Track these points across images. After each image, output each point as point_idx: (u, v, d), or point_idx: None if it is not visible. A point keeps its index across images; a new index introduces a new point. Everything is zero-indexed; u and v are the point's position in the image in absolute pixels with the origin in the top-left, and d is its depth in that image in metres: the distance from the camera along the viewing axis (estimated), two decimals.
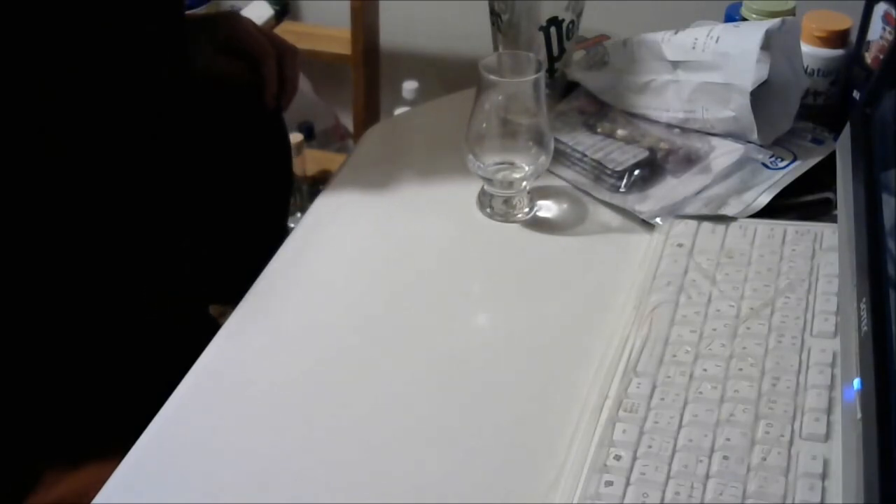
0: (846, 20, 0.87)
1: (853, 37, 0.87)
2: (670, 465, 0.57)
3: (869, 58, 0.84)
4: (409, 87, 1.84)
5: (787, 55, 0.83)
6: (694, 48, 0.84)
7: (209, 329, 0.71)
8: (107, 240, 0.79)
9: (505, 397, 0.65)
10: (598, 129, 0.87)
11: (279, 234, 0.97)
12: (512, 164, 0.79)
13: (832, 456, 0.56)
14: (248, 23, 0.95)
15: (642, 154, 0.83)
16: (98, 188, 0.77)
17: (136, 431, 0.63)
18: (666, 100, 0.87)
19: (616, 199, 0.81)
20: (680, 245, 0.74)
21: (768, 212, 0.78)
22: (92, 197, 0.77)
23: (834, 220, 0.73)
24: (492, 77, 0.76)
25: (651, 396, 0.61)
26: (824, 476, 0.55)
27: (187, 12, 0.84)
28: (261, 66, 0.93)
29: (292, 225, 0.91)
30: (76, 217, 0.77)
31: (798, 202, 0.79)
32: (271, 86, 0.94)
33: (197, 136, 0.86)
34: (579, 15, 0.90)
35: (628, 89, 0.89)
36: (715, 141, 0.85)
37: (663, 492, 0.55)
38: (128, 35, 0.76)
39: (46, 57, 0.71)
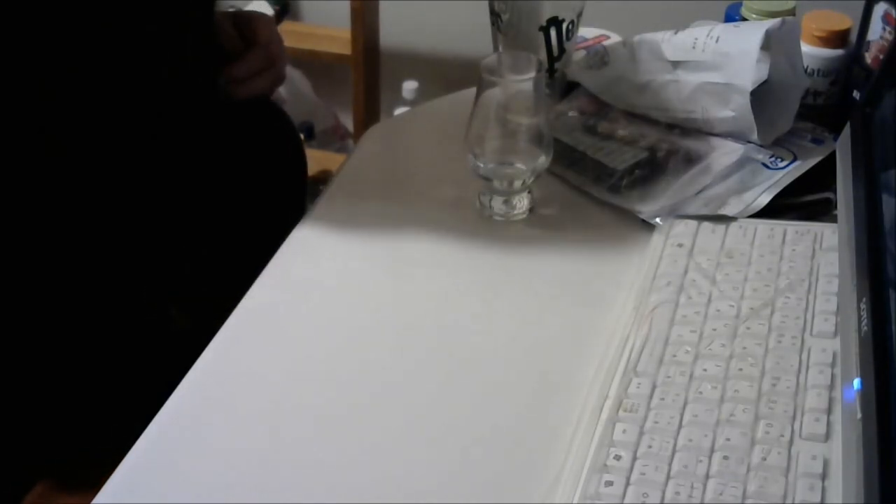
0: (846, 20, 0.87)
1: (853, 37, 0.87)
2: (670, 465, 0.57)
3: (869, 58, 0.84)
4: (409, 87, 1.84)
5: (787, 55, 0.83)
6: (694, 48, 0.84)
7: (209, 329, 0.71)
8: (106, 240, 0.79)
9: (505, 397, 0.65)
10: (598, 129, 0.87)
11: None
12: (512, 164, 0.79)
13: (832, 456, 0.56)
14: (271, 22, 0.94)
15: (642, 154, 0.83)
16: (98, 188, 0.77)
17: (135, 431, 0.63)
18: (666, 100, 0.87)
19: (616, 199, 0.81)
20: (680, 245, 0.74)
21: (768, 212, 0.78)
22: (92, 197, 0.77)
23: (834, 220, 0.73)
24: (492, 77, 0.76)
25: (651, 396, 0.61)
26: (824, 476, 0.55)
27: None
28: (256, 49, 0.91)
29: None
30: (76, 217, 0.77)
31: (798, 202, 0.79)
32: (251, 63, 0.91)
33: (200, 136, 0.86)
34: (579, 15, 0.90)
35: (628, 89, 0.89)
36: (715, 141, 0.85)
37: (663, 492, 0.55)
38: (128, 35, 0.76)
39: (46, 57, 0.71)
